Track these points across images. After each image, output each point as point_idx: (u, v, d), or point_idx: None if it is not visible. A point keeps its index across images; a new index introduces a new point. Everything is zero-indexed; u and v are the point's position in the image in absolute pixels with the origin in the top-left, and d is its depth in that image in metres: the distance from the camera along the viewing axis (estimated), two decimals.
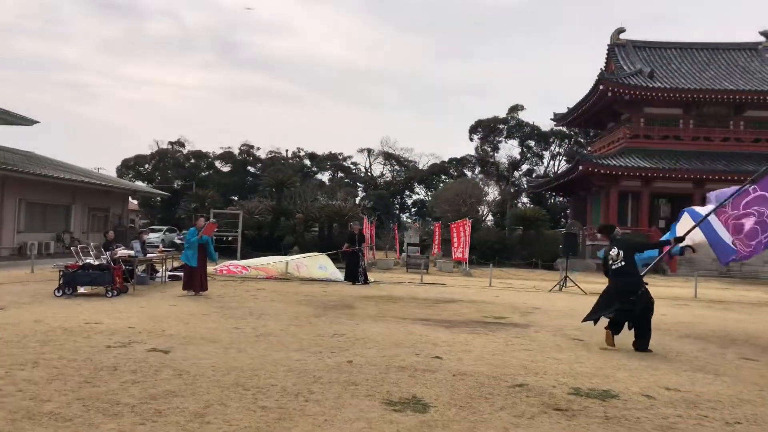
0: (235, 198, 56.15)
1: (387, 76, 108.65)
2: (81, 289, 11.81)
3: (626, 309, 7.79)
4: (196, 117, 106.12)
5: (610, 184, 36.23)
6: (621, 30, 41.83)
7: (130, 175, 61.48)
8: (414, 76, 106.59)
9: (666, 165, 35.18)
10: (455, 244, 26.17)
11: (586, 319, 8.41)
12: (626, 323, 7.90)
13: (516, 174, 58.94)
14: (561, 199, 57.22)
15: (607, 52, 42.42)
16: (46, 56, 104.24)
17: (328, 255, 19.05)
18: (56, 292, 11.51)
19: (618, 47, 41.50)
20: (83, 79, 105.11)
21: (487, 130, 58.22)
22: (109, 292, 11.63)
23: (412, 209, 60.57)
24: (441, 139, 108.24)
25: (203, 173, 64.10)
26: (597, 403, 5.15)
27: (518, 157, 59.66)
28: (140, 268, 14.32)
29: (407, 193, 61.82)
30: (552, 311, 12.26)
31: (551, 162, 60.82)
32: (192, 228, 12.87)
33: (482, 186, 45.26)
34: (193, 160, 65.08)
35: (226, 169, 65.46)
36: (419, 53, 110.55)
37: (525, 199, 59.48)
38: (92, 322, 8.41)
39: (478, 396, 5.22)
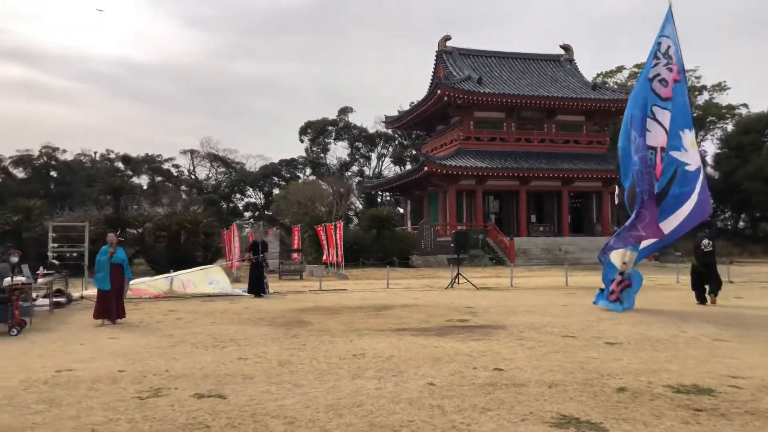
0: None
1: (168, 73, 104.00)
2: None
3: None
4: None
5: (448, 184, 38.42)
6: (447, 38, 44.47)
7: None
8: (200, 73, 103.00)
9: (496, 165, 38.19)
10: (326, 247, 25.88)
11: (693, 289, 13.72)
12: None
13: (346, 174, 59.95)
14: (389, 198, 59.41)
15: (435, 58, 44.86)
16: None
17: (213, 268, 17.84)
18: None
19: (445, 54, 44.09)
20: None
21: (316, 131, 58.39)
22: (13, 330, 9.63)
23: (245, 213, 58.67)
24: (268, 142, 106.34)
25: None
26: (717, 400, 5.43)
27: (347, 158, 60.74)
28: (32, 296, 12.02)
29: (238, 196, 59.72)
30: (490, 309, 12.62)
31: (377, 162, 62.89)
32: (104, 247, 11.16)
33: (326, 188, 45.28)
34: None
35: (22, 175, 57.57)
36: (207, 49, 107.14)
37: (353, 199, 60.80)
38: (64, 369, 6.87)
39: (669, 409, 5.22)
